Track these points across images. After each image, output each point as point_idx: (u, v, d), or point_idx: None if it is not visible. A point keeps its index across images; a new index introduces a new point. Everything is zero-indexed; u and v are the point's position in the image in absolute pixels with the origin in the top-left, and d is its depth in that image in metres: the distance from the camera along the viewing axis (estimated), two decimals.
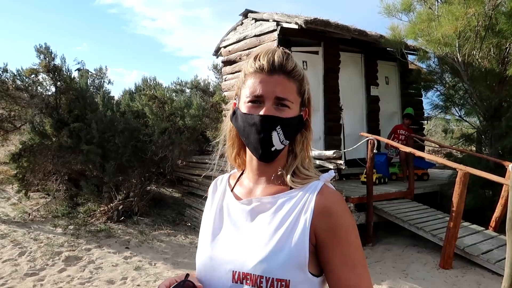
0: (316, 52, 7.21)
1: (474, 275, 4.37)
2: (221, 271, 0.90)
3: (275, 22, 6.67)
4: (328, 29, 6.62)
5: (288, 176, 0.93)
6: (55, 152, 6.31)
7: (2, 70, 6.75)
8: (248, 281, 0.86)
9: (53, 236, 5.42)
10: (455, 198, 4.54)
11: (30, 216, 6.09)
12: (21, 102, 6.91)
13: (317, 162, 5.08)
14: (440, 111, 7.53)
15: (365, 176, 5.81)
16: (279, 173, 0.95)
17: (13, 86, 6.89)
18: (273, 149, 0.92)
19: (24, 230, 5.58)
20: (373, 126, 7.85)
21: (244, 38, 7.52)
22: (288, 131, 0.92)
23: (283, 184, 0.94)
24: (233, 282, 0.88)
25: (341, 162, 5.07)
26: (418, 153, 5.47)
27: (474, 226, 5.36)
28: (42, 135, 6.18)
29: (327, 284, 0.92)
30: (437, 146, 8.17)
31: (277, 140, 0.91)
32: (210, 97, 8.54)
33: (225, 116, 1.07)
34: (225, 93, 7.92)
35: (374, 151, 5.55)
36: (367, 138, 5.65)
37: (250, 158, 0.98)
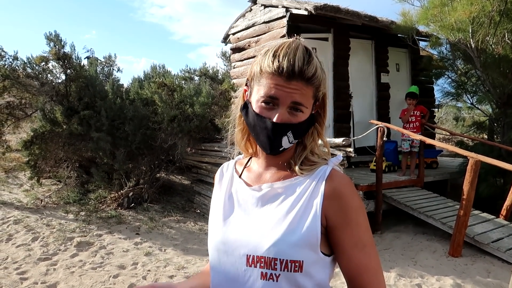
0: (326, 39, 7.13)
1: (483, 263, 4.35)
2: (235, 255, 0.92)
3: (284, 8, 6.59)
4: (338, 15, 6.53)
5: (297, 167, 0.94)
6: (66, 140, 6.37)
7: (12, 58, 6.81)
8: (262, 264, 0.87)
9: (65, 222, 5.51)
10: (465, 186, 4.50)
11: (42, 203, 6.18)
12: (32, 89, 6.96)
13: (326, 149, 5.06)
14: (451, 98, 7.43)
15: (374, 164, 5.78)
16: (289, 163, 0.97)
17: (24, 74, 6.95)
18: (281, 149, 0.93)
19: (37, 216, 5.68)
20: (383, 113, 7.78)
21: (253, 25, 7.46)
22: (298, 133, 0.93)
23: (293, 170, 0.95)
24: (247, 265, 0.89)
25: (351, 149, 5.04)
26: (428, 140, 5.41)
27: (485, 215, 5.32)
28: (53, 122, 6.23)
29: (336, 263, 0.95)
30: (448, 133, 8.08)
31: (286, 141, 0.92)
32: (219, 85, 8.51)
33: (233, 104, 1.06)
34: (234, 81, 7.89)
35: (384, 138, 5.50)
36: (377, 126, 5.60)
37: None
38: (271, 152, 0.94)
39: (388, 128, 5.88)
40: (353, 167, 7.03)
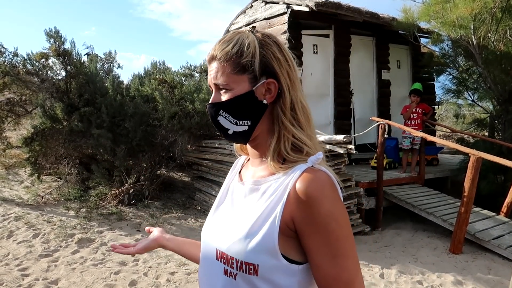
0: (327, 36, 7.11)
1: (484, 260, 4.36)
2: (210, 247, 0.95)
3: (285, 5, 6.57)
4: (339, 12, 6.52)
5: (269, 160, 0.90)
6: (66, 136, 6.36)
7: (12, 54, 6.79)
8: (225, 260, 0.89)
9: (66, 219, 5.51)
10: (466, 184, 4.50)
11: (43, 199, 6.18)
12: (32, 86, 6.94)
13: (328, 146, 5.06)
14: (452, 95, 7.41)
15: (375, 161, 5.77)
16: (264, 157, 0.93)
17: (24, 70, 6.92)
18: (230, 132, 0.92)
19: (38, 212, 5.68)
20: (383, 110, 7.78)
21: (254, 22, 7.44)
22: (235, 112, 0.90)
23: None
24: (216, 258, 0.92)
25: (352, 146, 5.04)
26: (429, 137, 5.41)
27: (486, 212, 5.32)
28: (53, 119, 6.22)
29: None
30: (449, 131, 8.07)
31: (228, 123, 0.91)
32: None
33: None
34: None
35: (385, 135, 5.49)
36: (378, 123, 5.60)
37: None
38: (224, 136, 0.95)
39: (389, 125, 5.88)
40: (353, 164, 7.03)
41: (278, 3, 6.75)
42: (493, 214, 5.25)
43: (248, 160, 1.05)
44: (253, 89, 0.89)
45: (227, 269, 0.88)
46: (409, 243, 4.91)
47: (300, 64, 6.66)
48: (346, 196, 5.12)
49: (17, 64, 6.88)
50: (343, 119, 7.19)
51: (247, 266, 0.84)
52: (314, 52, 6.95)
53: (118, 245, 1.21)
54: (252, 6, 7.58)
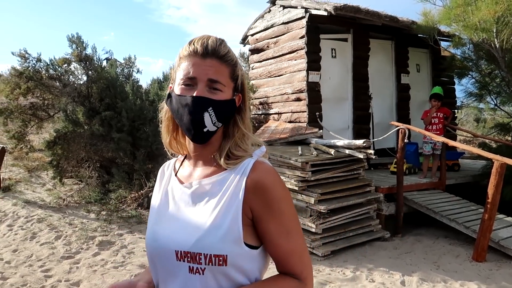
0: (345, 39, 7.07)
1: (509, 268, 4.24)
2: (166, 251, 0.95)
3: (304, 9, 6.57)
4: (358, 16, 6.48)
5: (222, 159, 0.97)
6: (87, 140, 6.48)
7: (36, 59, 6.96)
8: (189, 259, 0.91)
9: (87, 221, 5.61)
10: (490, 190, 4.40)
11: (65, 202, 6.30)
12: (54, 91, 7.11)
13: (347, 151, 5.02)
14: (474, 99, 7.27)
15: (395, 166, 5.69)
16: (214, 156, 0.99)
17: (47, 75, 7.10)
18: (205, 130, 0.95)
19: (59, 214, 5.79)
20: (403, 114, 7.68)
21: (272, 26, 7.45)
22: (220, 113, 0.95)
23: (220, 165, 0.98)
24: (177, 260, 0.93)
25: (371, 151, 4.99)
26: (451, 142, 5.31)
27: (510, 219, 5.18)
28: (75, 123, 6.36)
29: (267, 255, 0.99)
30: (470, 135, 7.91)
31: (209, 121, 0.94)
32: None
33: (161, 109, 1.09)
34: (253, 82, 7.89)
35: (405, 140, 5.42)
36: (398, 127, 5.53)
37: (188, 141, 1.02)
38: (196, 133, 0.95)
39: (409, 130, 5.79)
40: (372, 169, 6.95)
41: (296, 7, 6.75)
42: None
43: (182, 162, 1.08)
44: (234, 98, 0.99)
45: (192, 267, 0.91)
46: (431, 250, 4.82)
47: (318, 68, 6.64)
48: (365, 202, 5.07)
49: (40, 69, 7.05)
50: (361, 123, 7.12)
51: (216, 258, 0.89)
52: (332, 56, 6.92)
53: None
54: (270, 10, 7.60)
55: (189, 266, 0.91)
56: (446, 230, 5.31)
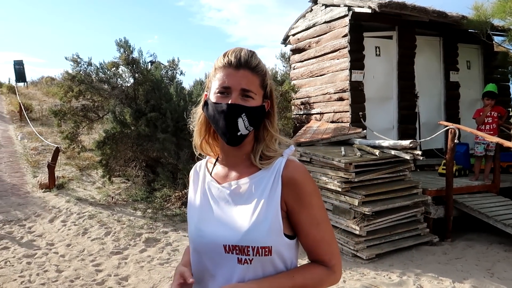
0: (390, 37, 6.88)
1: None
2: (214, 245, 1.04)
3: (347, 7, 6.45)
4: (403, 12, 6.28)
5: (257, 159, 1.08)
6: (134, 140, 6.72)
7: (87, 64, 7.30)
8: (238, 251, 1.01)
9: (134, 219, 5.81)
10: None
11: (113, 199, 6.57)
12: (104, 93, 7.42)
13: (392, 152, 4.87)
14: None
15: (443, 167, 5.45)
16: (249, 157, 1.10)
17: (97, 78, 7.43)
18: (239, 133, 1.05)
19: (109, 212, 6.04)
20: (452, 114, 7.36)
21: (314, 25, 7.38)
22: (252, 118, 1.05)
23: (254, 166, 1.09)
24: (225, 253, 1.03)
25: (418, 152, 4.81)
26: (506, 143, 5.01)
27: None
28: (123, 124, 6.60)
29: (299, 244, 1.11)
30: None
31: (242, 125, 1.04)
32: (279, 86, 8.51)
33: (194, 114, 1.19)
34: (294, 82, 7.86)
35: (456, 141, 5.17)
36: (447, 127, 5.29)
37: (222, 144, 1.11)
38: (230, 136, 1.05)
39: (459, 130, 5.52)
40: (418, 170, 6.69)
41: (339, 5, 6.64)
42: None
43: (215, 164, 1.16)
44: (264, 104, 1.10)
45: (241, 258, 1.01)
46: (483, 256, 4.57)
47: (361, 67, 6.50)
48: (412, 204, 4.89)
49: (91, 72, 7.39)
50: (407, 123, 6.89)
51: (263, 249, 1.00)
52: (376, 54, 6.75)
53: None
54: (312, 10, 7.53)
55: (238, 258, 1.01)
56: (500, 236, 5.02)
